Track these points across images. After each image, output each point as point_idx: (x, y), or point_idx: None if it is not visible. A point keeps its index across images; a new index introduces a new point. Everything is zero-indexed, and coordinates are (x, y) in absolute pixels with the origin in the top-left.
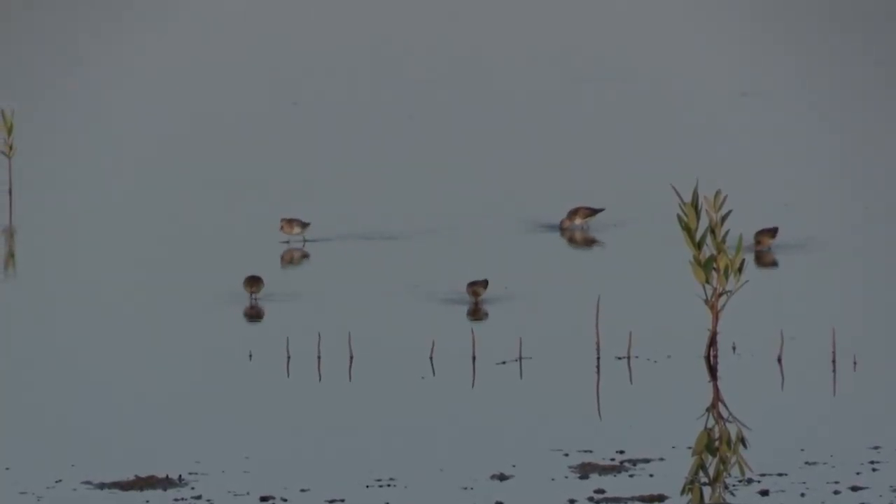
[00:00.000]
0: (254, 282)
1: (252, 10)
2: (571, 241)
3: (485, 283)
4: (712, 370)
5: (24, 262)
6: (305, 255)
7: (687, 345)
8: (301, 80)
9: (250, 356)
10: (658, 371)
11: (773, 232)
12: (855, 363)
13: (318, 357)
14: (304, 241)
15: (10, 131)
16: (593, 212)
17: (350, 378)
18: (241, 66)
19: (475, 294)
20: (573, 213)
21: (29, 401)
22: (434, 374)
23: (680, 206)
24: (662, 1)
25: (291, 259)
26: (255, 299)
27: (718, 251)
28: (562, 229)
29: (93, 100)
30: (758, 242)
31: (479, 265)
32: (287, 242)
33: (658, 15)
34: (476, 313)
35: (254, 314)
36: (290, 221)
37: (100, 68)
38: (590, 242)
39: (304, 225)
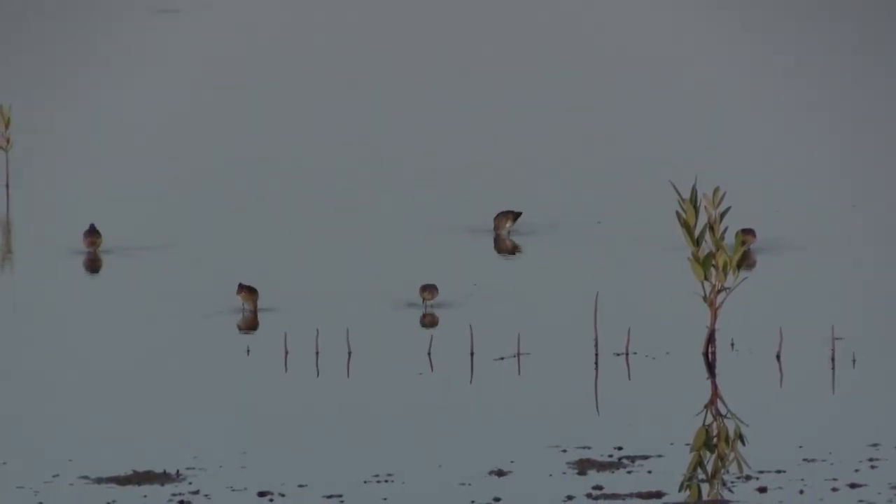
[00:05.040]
0: None
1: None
2: (500, 247)
3: (434, 288)
4: (711, 367)
5: (21, 256)
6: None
7: (685, 341)
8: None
9: (248, 351)
10: (656, 367)
11: (752, 232)
12: (854, 360)
13: (317, 353)
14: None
15: (7, 125)
16: (516, 215)
17: (348, 374)
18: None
19: (426, 297)
20: (503, 218)
21: (26, 395)
22: (432, 369)
23: (678, 202)
24: None
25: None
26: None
27: (717, 248)
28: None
29: (91, 93)
30: (742, 242)
31: (464, 266)
32: None
33: (652, 9)
34: (428, 317)
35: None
36: None
37: (102, 63)
38: (514, 249)
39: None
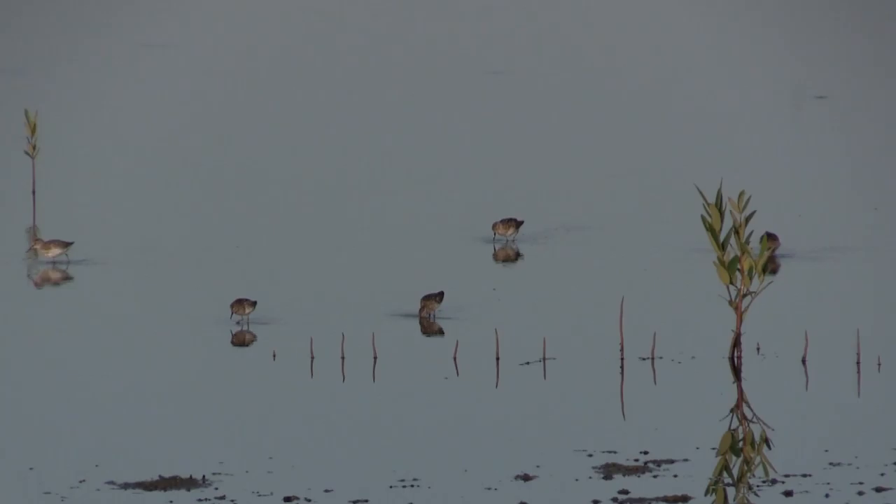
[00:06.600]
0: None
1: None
2: (502, 255)
3: (440, 297)
4: (736, 371)
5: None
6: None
7: (711, 346)
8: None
9: (274, 356)
10: (682, 372)
11: (776, 237)
12: (879, 364)
13: (342, 358)
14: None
15: (33, 132)
16: (518, 223)
17: (374, 379)
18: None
19: (428, 308)
20: (505, 224)
21: (52, 401)
22: (458, 374)
23: (704, 206)
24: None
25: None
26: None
27: (742, 252)
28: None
29: (116, 101)
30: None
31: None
32: None
33: (667, 14)
34: (429, 327)
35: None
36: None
37: (127, 69)
38: (514, 256)
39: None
